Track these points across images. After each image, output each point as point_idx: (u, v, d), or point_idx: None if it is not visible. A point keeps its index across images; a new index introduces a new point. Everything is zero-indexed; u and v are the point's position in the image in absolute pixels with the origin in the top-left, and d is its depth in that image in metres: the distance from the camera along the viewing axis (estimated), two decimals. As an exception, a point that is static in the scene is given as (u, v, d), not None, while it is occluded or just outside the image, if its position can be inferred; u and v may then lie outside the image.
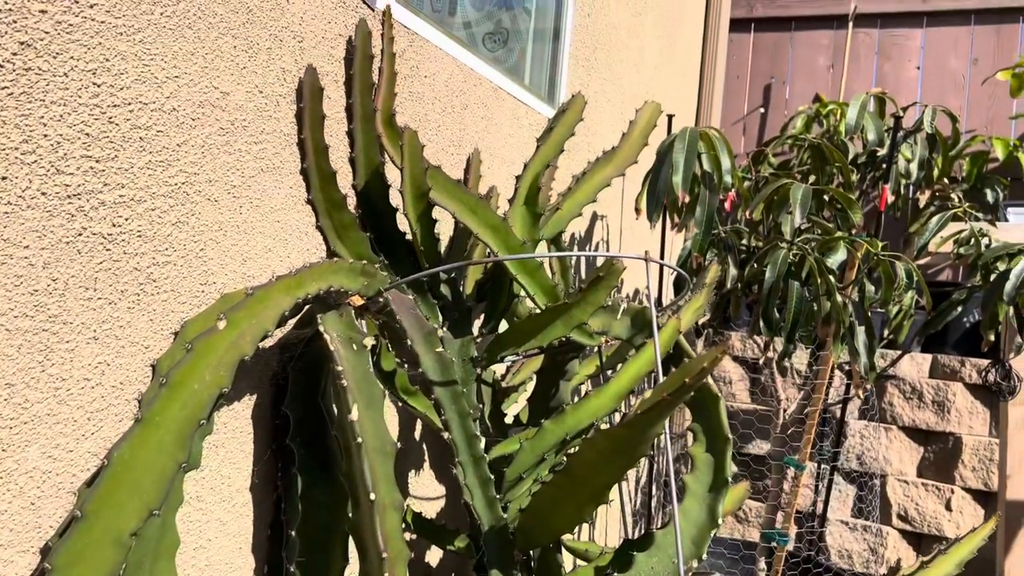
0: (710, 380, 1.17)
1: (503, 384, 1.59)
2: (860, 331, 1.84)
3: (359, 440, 0.90)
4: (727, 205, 2.40)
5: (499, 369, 1.67)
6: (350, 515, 0.97)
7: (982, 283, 2.25)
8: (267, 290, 0.87)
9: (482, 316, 1.44)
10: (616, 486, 2.59)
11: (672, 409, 0.85)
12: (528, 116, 1.88)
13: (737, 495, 1.27)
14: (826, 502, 3.08)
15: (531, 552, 1.27)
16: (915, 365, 3.51)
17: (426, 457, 1.53)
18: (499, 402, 1.52)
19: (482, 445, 1.16)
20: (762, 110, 4.70)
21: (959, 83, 4.36)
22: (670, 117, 2.36)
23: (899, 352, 2.98)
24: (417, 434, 1.50)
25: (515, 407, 1.69)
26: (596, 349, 1.41)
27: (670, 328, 1.23)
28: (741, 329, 3.55)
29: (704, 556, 1.09)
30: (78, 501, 0.71)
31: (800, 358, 3.28)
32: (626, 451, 0.91)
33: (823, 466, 3.11)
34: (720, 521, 1.08)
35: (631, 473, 3.07)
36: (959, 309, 2.29)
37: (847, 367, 2.65)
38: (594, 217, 2.39)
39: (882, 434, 3.55)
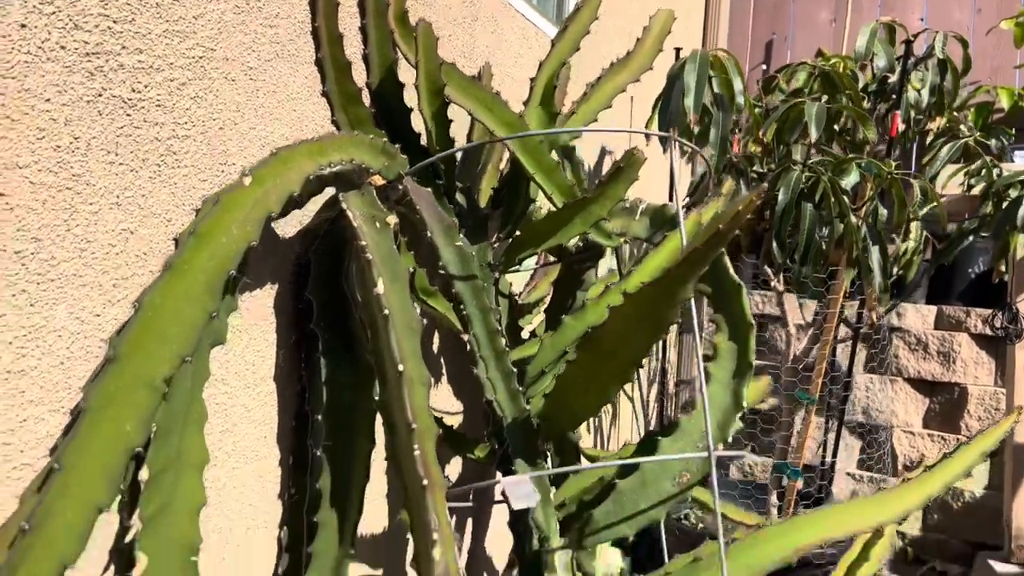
0: (731, 271, 1.17)
1: (519, 301, 1.58)
2: (874, 250, 1.83)
3: (385, 312, 0.89)
4: (735, 146, 2.38)
5: (516, 286, 1.66)
6: (376, 397, 0.97)
7: (993, 211, 2.24)
8: (291, 151, 0.86)
9: (498, 228, 1.43)
10: (627, 393, 2.57)
11: (704, 265, 0.84)
12: (537, 37, 1.86)
13: (760, 387, 1.27)
14: (835, 453, 3.08)
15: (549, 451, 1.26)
16: (920, 316, 3.50)
17: (444, 372, 1.52)
18: (516, 317, 1.51)
19: (504, 341, 1.15)
20: (764, 67, 4.66)
21: (963, 34, 4.32)
22: (677, 50, 2.34)
23: (897, 302, 2.96)
24: (435, 348, 1.49)
25: (530, 326, 1.69)
26: (614, 253, 1.40)
27: (692, 221, 1.22)
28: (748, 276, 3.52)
29: (729, 439, 1.08)
30: (110, 346, 0.70)
31: (807, 311, 3.26)
32: (653, 316, 0.90)
33: (831, 421, 3.09)
34: (745, 404, 1.08)
35: (638, 399, 3.06)
36: (970, 238, 2.28)
37: (857, 306, 2.63)
38: (603, 152, 2.37)
39: (888, 386, 3.55)
